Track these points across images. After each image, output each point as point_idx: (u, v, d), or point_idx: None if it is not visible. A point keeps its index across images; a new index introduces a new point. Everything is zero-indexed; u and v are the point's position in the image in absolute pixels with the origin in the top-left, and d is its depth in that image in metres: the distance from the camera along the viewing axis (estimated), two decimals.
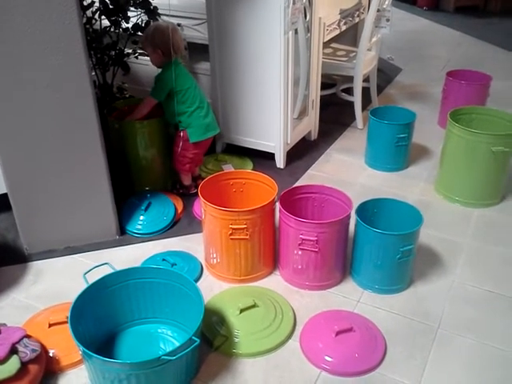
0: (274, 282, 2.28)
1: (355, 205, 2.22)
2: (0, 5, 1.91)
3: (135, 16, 3.08)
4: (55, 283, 2.27)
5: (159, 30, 2.58)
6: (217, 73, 3.05)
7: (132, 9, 3.05)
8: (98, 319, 1.88)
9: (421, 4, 6.96)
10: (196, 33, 3.34)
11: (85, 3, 2.90)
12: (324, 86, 3.64)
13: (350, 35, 4.01)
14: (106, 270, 1.92)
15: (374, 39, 3.54)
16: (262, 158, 3.12)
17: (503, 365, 1.89)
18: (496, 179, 2.75)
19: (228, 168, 2.98)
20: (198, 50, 3.36)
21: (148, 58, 3.41)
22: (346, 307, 2.13)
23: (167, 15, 3.34)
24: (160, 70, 2.67)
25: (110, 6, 2.95)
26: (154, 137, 2.75)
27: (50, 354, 1.85)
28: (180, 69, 2.62)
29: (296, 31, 2.94)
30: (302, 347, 1.94)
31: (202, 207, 2.21)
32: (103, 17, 3.01)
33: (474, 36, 5.84)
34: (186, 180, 2.83)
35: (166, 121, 2.75)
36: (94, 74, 3.01)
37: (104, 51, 3.07)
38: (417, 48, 5.47)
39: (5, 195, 2.33)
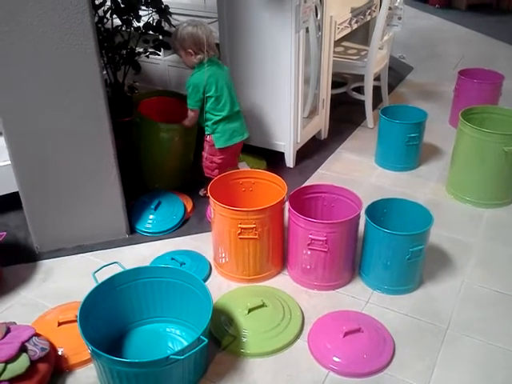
0: (283, 282, 2.28)
1: (365, 205, 2.21)
2: (12, 5, 1.93)
3: (146, 15, 3.09)
4: (65, 282, 2.29)
5: (188, 29, 2.47)
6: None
7: (143, 8, 3.06)
8: (107, 318, 1.89)
9: (433, 2, 6.91)
10: None
11: (96, 2, 2.91)
12: (335, 85, 3.63)
13: (361, 34, 3.99)
14: (115, 269, 1.93)
15: (385, 37, 3.52)
16: (272, 157, 3.11)
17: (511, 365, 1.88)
18: (507, 179, 2.72)
19: (243, 166, 2.97)
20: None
21: (159, 57, 3.45)
22: (355, 308, 2.13)
23: (178, 14, 3.35)
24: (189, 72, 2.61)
25: (122, 5, 2.97)
26: (173, 142, 2.74)
27: (59, 353, 1.86)
28: (213, 72, 2.50)
29: (307, 30, 2.93)
30: (310, 347, 1.94)
31: (212, 206, 2.21)
32: (115, 16, 3.02)
33: (486, 34, 5.78)
34: None
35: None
36: (105, 72, 3.02)
37: (115, 50, 3.09)
38: (428, 46, 5.43)
39: (16, 194, 2.35)
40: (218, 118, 2.55)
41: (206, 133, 2.63)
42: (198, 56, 2.50)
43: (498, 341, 1.97)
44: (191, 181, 2.90)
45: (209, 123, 2.59)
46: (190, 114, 2.59)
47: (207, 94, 2.51)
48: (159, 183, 2.84)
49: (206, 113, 2.56)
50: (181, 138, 2.75)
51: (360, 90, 3.84)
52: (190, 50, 2.49)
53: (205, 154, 2.68)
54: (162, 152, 2.77)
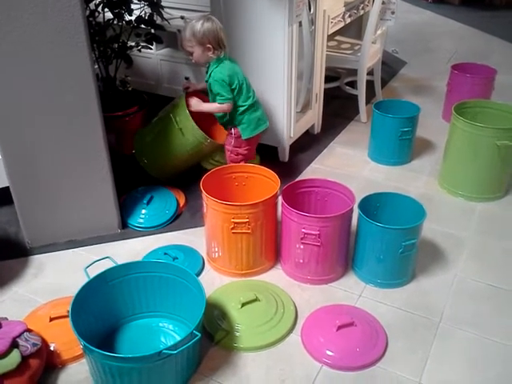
0: (276, 276, 2.28)
1: (358, 199, 2.21)
2: None
3: (138, 9, 3.07)
4: (57, 277, 2.27)
5: (207, 25, 2.44)
6: None
7: (135, 1, 3.04)
8: (99, 313, 1.88)
9: None
10: None
11: None
12: (328, 79, 3.62)
13: (354, 28, 3.98)
14: (107, 264, 1.92)
15: (378, 32, 3.52)
16: (265, 152, 3.10)
17: (505, 359, 1.88)
18: (500, 173, 2.73)
19: None
20: None
21: (151, 51, 3.42)
22: (348, 301, 2.13)
23: (170, 7, 3.33)
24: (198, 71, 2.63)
25: None
26: (200, 152, 2.71)
27: (51, 348, 1.85)
28: (230, 64, 2.52)
29: (300, 24, 2.92)
30: (303, 341, 1.94)
31: (204, 201, 2.21)
32: (106, 9, 2.99)
33: (479, 29, 5.78)
34: None
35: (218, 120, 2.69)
36: (96, 66, 3.00)
37: (107, 44, 3.06)
38: (421, 41, 5.43)
39: (6, 189, 2.33)
40: (244, 107, 2.56)
41: (230, 126, 2.63)
42: (216, 51, 2.49)
43: (491, 334, 1.97)
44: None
45: (234, 115, 2.59)
46: (223, 107, 2.53)
47: (231, 87, 2.51)
48: (160, 175, 2.82)
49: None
50: (207, 149, 2.72)
51: (353, 84, 3.84)
52: (210, 46, 2.47)
53: (229, 148, 2.66)
54: (183, 155, 2.71)
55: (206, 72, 2.59)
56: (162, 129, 2.72)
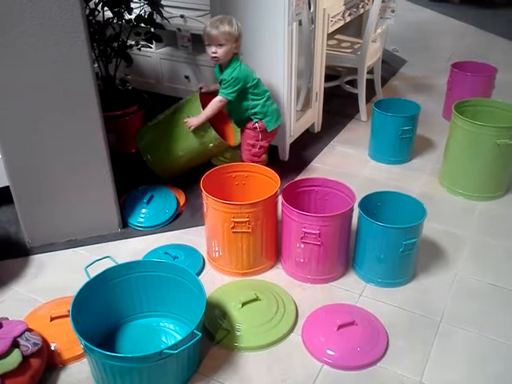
0: (276, 276, 2.28)
1: (358, 198, 2.21)
2: None
3: (138, 7, 3.07)
4: (57, 276, 2.27)
5: (239, 24, 2.50)
6: None
7: (135, 0, 3.04)
8: (100, 313, 1.88)
9: None
10: (199, 24, 3.32)
11: None
12: (328, 78, 3.61)
13: (354, 26, 3.98)
14: (107, 264, 1.92)
15: (378, 30, 3.51)
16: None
17: (505, 358, 1.88)
18: (500, 172, 2.73)
19: None
20: (201, 42, 3.32)
21: (151, 50, 3.41)
22: (349, 301, 2.13)
23: (170, 6, 3.33)
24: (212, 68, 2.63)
25: None
26: (207, 150, 2.70)
27: (52, 348, 1.85)
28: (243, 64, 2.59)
29: (300, 22, 2.92)
30: (303, 341, 1.94)
31: (204, 200, 2.21)
32: (106, 8, 2.99)
33: (479, 27, 5.78)
34: None
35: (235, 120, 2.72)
36: (96, 65, 3.00)
37: (107, 43, 3.06)
38: (422, 39, 5.42)
39: (7, 188, 2.33)
40: (265, 98, 2.63)
41: (255, 120, 2.65)
42: (239, 50, 2.55)
43: (491, 333, 1.97)
44: None
45: (258, 109, 2.63)
46: (217, 102, 2.56)
47: (250, 84, 2.56)
48: (163, 172, 2.81)
49: (253, 100, 2.60)
50: (215, 150, 2.72)
51: (353, 83, 3.83)
52: (239, 44, 2.53)
53: (251, 142, 2.69)
54: (190, 153, 2.70)
55: (220, 69, 2.59)
56: (169, 126, 2.70)
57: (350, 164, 3.12)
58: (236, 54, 2.54)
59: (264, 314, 2.01)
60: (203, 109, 2.59)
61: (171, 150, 2.71)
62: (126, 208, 2.59)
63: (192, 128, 2.58)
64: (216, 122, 2.69)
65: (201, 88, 2.76)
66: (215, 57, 2.51)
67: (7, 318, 1.86)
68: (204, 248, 2.38)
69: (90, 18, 2.92)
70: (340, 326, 1.91)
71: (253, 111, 2.63)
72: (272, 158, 3.05)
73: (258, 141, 2.68)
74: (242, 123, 2.70)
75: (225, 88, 2.54)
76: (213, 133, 2.59)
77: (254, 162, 2.69)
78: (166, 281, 1.94)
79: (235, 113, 2.69)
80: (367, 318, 2.00)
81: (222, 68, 2.59)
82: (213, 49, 2.49)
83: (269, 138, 2.73)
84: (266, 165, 2.47)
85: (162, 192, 2.70)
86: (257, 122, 2.65)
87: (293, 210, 2.11)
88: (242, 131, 2.72)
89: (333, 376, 1.82)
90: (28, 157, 2.22)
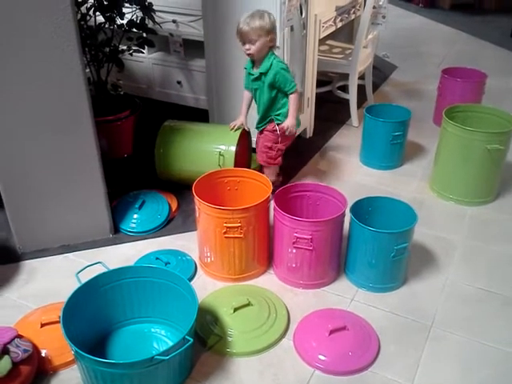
0: (268, 281, 2.28)
1: (350, 203, 2.22)
2: None
3: (130, 12, 3.07)
4: (48, 282, 2.26)
5: (272, 17, 2.47)
6: (212, 70, 3.04)
7: (127, 5, 3.04)
8: (91, 319, 1.87)
9: (416, 1, 6.95)
10: (191, 29, 3.32)
11: None
12: (319, 84, 3.62)
13: (345, 32, 3.99)
14: (99, 269, 1.91)
15: (369, 36, 3.54)
16: None
17: (496, 362, 1.89)
18: (490, 177, 2.75)
19: None
20: (194, 47, 3.35)
21: (143, 55, 3.41)
22: (340, 306, 2.13)
23: (162, 11, 3.33)
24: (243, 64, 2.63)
25: (105, 2, 2.93)
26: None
27: (42, 354, 1.84)
28: None
29: (292, 28, 2.93)
30: (295, 346, 1.94)
31: (196, 205, 2.20)
32: (98, 13, 2.98)
33: (469, 33, 5.83)
34: (273, 174, 2.76)
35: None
36: (88, 70, 2.99)
37: (98, 48, 3.05)
38: (412, 45, 5.46)
39: None
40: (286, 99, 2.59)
41: (277, 122, 2.62)
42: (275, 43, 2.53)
43: (482, 338, 1.98)
44: None
45: (283, 110, 2.60)
46: (295, 99, 2.55)
47: None
48: (164, 173, 2.82)
49: (283, 99, 2.58)
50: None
51: (345, 88, 3.84)
52: (274, 37, 2.49)
53: (273, 145, 2.67)
54: (199, 169, 2.62)
55: (252, 67, 2.57)
56: (196, 138, 2.75)
57: (341, 169, 3.13)
58: (272, 48, 2.51)
59: (256, 319, 2.00)
60: (237, 143, 2.64)
61: (187, 160, 2.73)
62: (117, 213, 2.58)
63: (292, 130, 2.59)
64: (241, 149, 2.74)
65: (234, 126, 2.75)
66: (250, 53, 2.49)
67: None
68: (196, 253, 2.38)
69: (82, 22, 2.91)
70: (332, 331, 1.91)
71: (278, 112, 2.60)
72: None
73: (276, 143, 2.66)
74: (264, 121, 2.66)
75: (286, 83, 2.50)
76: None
77: (269, 165, 2.71)
78: (158, 286, 1.93)
79: (264, 107, 2.61)
80: (359, 323, 2.00)
81: (254, 64, 2.56)
82: (246, 46, 2.47)
83: (287, 140, 2.69)
84: (258, 170, 2.46)
85: (154, 197, 2.69)
86: (277, 125, 2.62)
87: (285, 215, 2.11)
88: (261, 132, 2.70)
89: (324, 381, 1.82)
90: (19, 162, 2.21)
